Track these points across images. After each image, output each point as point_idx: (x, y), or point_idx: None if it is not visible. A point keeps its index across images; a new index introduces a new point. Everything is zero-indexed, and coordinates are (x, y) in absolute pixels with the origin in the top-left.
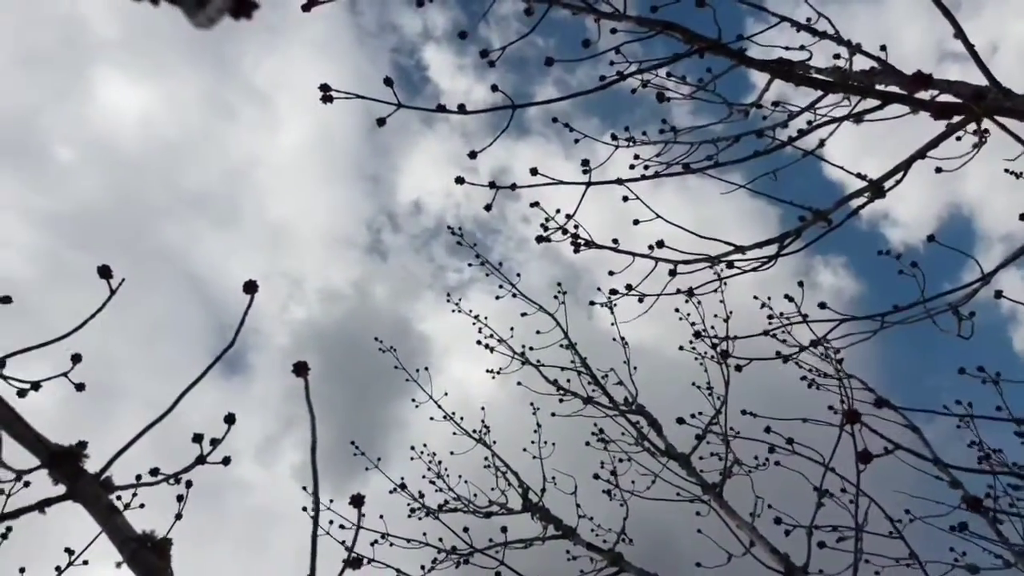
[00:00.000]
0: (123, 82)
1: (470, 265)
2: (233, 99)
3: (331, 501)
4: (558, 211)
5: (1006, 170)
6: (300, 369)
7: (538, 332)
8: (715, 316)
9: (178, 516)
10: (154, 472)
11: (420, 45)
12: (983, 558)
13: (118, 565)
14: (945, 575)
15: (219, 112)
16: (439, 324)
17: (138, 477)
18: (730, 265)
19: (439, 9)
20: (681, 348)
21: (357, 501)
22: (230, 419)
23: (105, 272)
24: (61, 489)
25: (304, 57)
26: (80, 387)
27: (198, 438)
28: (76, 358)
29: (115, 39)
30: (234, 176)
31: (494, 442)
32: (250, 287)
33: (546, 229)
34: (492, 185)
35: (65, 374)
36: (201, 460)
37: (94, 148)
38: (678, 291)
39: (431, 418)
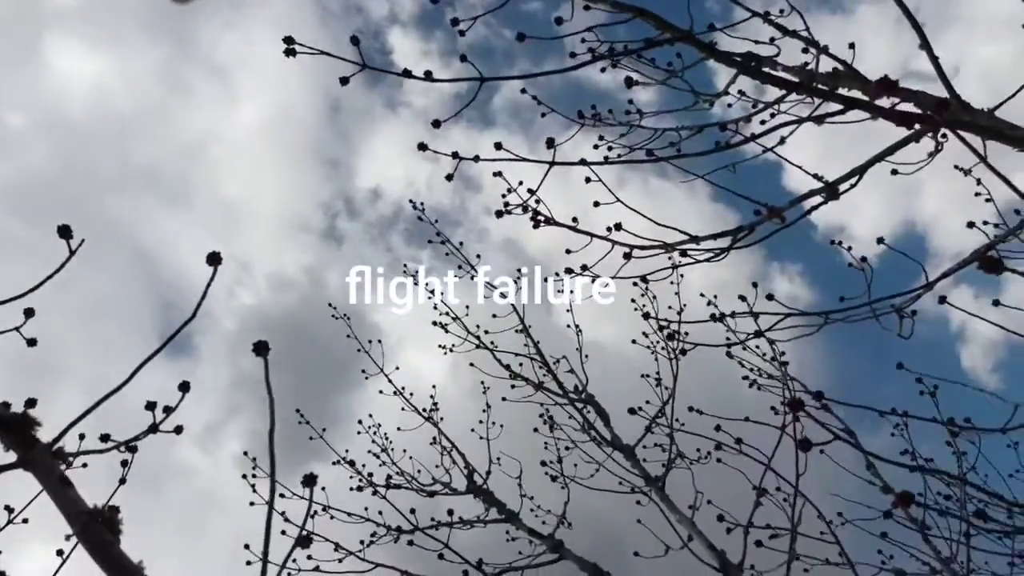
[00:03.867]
0: (78, 52)
1: (430, 242)
2: (190, 74)
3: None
4: (520, 183)
5: (956, 166)
6: (260, 349)
7: (494, 316)
8: (669, 308)
9: (122, 481)
10: (104, 438)
11: (385, 28)
12: (910, 563)
13: (67, 538)
14: None
15: (175, 87)
16: (393, 314)
17: (81, 437)
18: (684, 254)
19: None
20: (634, 342)
21: (309, 480)
22: (184, 387)
23: (65, 232)
24: (12, 455)
25: (265, 35)
26: (32, 342)
27: (151, 405)
28: (29, 312)
29: (71, 8)
30: (187, 153)
31: (441, 419)
32: (214, 259)
33: (507, 205)
34: (455, 155)
35: (17, 328)
36: (154, 428)
37: (45, 117)
38: (634, 282)
39: (380, 391)
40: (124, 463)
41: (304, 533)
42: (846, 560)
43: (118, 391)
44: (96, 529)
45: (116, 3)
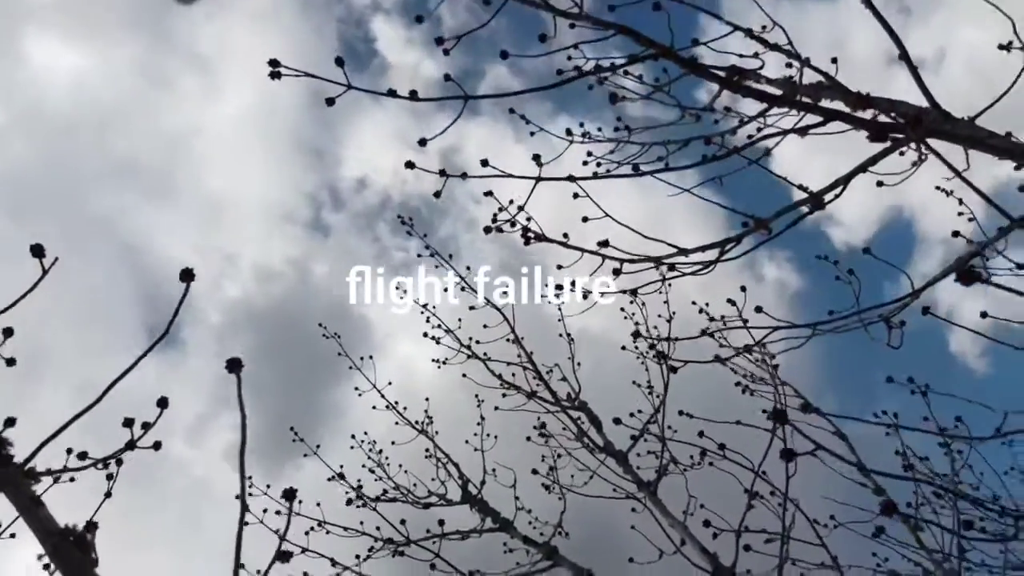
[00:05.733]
0: (57, 46)
1: (419, 256)
2: (171, 66)
3: (268, 487)
4: (511, 202)
5: (938, 187)
6: (233, 366)
7: (485, 326)
8: (659, 316)
9: (107, 495)
10: (82, 456)
11: (368, 16)
12: (904, 565)
13: (39, 558)
14: None
15: (155, 79)
16: (381, 315)
17: (69, 451)
18: (672, 268)
19: None
20: (624, 348)
21: (289, 495)
22: (162, 403)
23: (38, 251)
24: None
25: (246, 25)
26: (11, 362)
27: (129, 422)
28: (7, 332)
29: (49, 1)
30: (169, 145)
31: (436, 432)
32: (187, 275)
33: (495, 220)
34: (443, 173)
35: None
36: (131, 445)
37: (25, 112)
38: (623, 291)
39: (373, 407)
40: (109, 476)
41: (284, 550)
42: (835, 565)
43: (92, 408)
44: (68, 549)
45: None
